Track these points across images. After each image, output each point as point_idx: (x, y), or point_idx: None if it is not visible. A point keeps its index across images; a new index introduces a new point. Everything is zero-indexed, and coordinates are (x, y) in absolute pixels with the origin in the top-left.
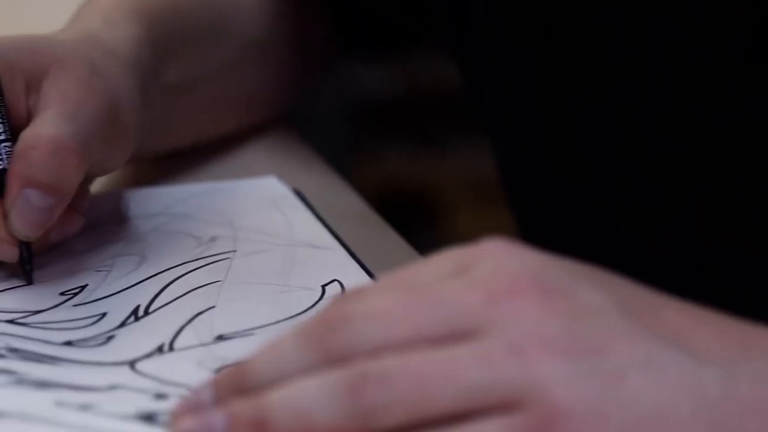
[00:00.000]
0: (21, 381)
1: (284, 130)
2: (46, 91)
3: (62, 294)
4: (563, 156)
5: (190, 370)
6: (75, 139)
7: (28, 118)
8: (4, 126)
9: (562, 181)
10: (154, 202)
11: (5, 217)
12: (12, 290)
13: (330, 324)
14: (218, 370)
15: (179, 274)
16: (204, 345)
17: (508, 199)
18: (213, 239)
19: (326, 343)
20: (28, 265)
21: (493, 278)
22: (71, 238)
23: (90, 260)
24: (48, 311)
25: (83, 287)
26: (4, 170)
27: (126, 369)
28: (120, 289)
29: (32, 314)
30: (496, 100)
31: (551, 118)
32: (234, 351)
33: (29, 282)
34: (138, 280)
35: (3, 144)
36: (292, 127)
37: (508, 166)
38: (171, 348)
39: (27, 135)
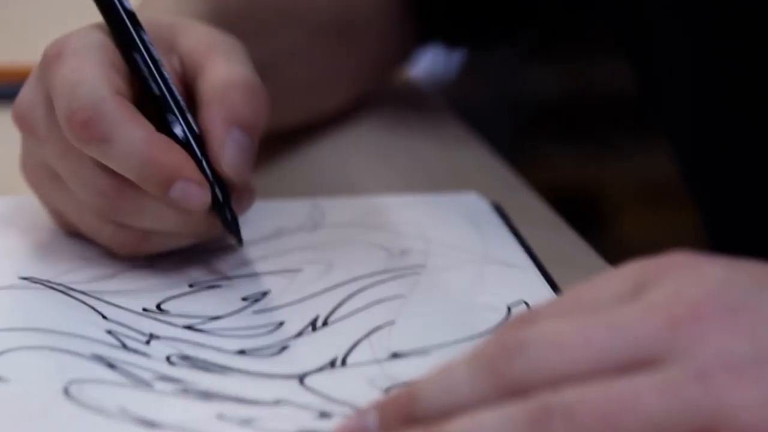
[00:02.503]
0: (186, 391)
1: (464, 132)
2: (186, 44)
3: (244, 299)
4: (752, 153)
5: (360, 388)
6: (255, 78)
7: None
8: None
9: (752, 179)
10: (349, 212)
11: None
12: (195, 294)
13: (505, 351)
14: (388, 390)
15: (363, 286)
16: (377, 362)
17: (692, 199)
18: (404, 252)
19: (502, 372)
20: (233, 223)
21: (674, 302)
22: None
23: (276, 266)
24: (226, 318)
25: (265, 293)
26: (197, 136)
27: (294, 383)
28: (301, 297)
29: (210, 320)
30: (677, 99)
31: (738, 114)
32: (407, 370)
33: (240, 242)
34: (321, 289)
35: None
36: (467, 127)
37: (692, 165)
38: (344, 363)
39: (214, 83)
